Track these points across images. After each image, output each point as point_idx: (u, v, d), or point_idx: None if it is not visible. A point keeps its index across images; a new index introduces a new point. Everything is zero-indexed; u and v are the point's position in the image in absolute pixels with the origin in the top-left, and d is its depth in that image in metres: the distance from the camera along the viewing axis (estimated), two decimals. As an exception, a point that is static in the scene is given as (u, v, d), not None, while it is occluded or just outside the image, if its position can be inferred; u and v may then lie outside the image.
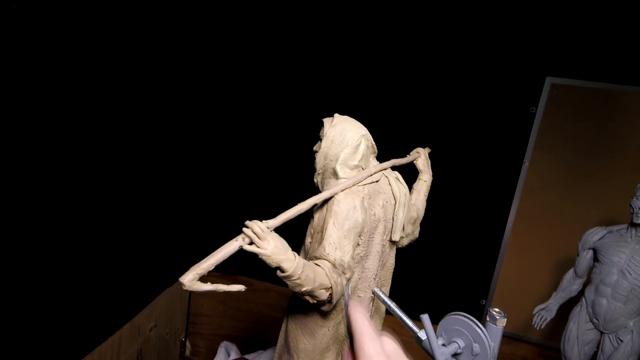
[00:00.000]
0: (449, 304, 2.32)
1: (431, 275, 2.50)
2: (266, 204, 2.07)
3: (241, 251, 1.11)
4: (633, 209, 1.82)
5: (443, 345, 1.09)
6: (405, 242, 1.65)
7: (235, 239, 1.11)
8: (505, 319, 1.09)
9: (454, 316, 1.09)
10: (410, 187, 1.65)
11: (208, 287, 1.02)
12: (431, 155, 1.83)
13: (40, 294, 1.59)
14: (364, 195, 1.36)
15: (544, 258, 2.34)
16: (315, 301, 1.24)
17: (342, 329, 1.45)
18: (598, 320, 1.91)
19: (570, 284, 2.04)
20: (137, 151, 1.97)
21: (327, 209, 1.32)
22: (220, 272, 2.57)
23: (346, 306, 0.50)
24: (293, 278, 1.14)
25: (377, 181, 1.44)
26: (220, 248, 1.07)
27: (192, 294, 2.78)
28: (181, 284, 1.00)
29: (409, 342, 1.01)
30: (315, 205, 1.30)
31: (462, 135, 2.32)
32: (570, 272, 2.05)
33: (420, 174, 1.77)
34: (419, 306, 1.42)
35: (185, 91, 2.25)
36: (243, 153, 2.65)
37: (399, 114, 2.37)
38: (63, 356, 1.74)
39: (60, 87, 1.50)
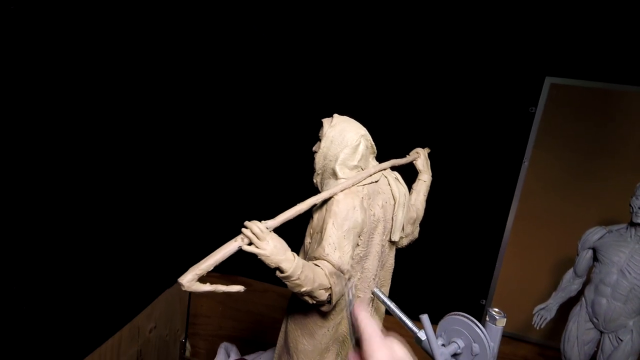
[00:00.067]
0: (448, 304, 2.31)
1: (431, 276, 2.49)
2: (265, 204, 2.06)
3: (241, 252, 1.10)
4: (632, 208, 1.82)
5: (443, 345, 1.09)
6: (404, 242, 1.65)
7: (234, 239, 1.10)
8: (505, 319, 1.09)
9: (453, 316, 1.09)
10: (409, 188, 1.65)
11: (207, 287, 1.02)
12: (431, 156, 1.83)
13: (40, 295, 1.59)
14: (363, 195, 1.36)
15: (544, 258, 2.34)
16: (314, 302, 1.24)
17: (342, 329, 1.45)
18: (598, 320, 1.91)
19: (569, 283, 2.04)
20: (136, 152, 1.97)
21: (326, 209, 1.32)
22: (219, 273, 2.57)
23: (350, 308, 0.49)
24: (292, 278, 1.14)
25: (376, 181, 1.44)
26: (219, 248, 1.07)
27: (191, 294, 2.78)
28: (180, 285, 1.00)
29: (409, 342, 1.01)
30: (315, 205, 1.30)
31: (461, 135, 2.32)
32: (570, 271, 2.05)
33: (419, 174, 1.77)
34: (418, 306, 1.42)
35: (184, 92, 2.25)
36: (242, 153, 2.64)
37: (399, 114, 2.37)
38: (63, 357, 1.74)
39: (60, 87, 1.50)
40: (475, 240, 2.40)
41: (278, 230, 1.18)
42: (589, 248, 1.98)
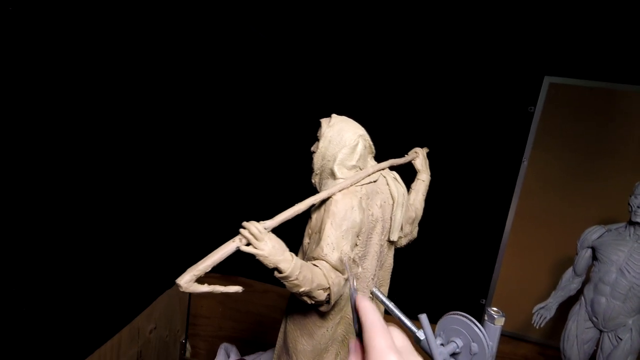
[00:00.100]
0: (448, 304, 2.31)
1: (430, 276, 2.49)
2: (264, 204, 2.06)
3: (241, 252, 1.10)
4: (631, 207, 1.82)
5: (441, 344, 1.09)
6: (403, 242, 1.65)
7: (232, 240, 1.11)
8: (504, 318, 1.09)
9: (452, 316, 1.09)
10: (408, 187, 1.65)
11: (205, 288, 1.02)
12: (429, 155, 1.82)
13: (40, 296, 1.59)
14: (361, 195, 1.36)
15: (543, 257, 2.34)
16: (313, 302, 1.24)
17: (341, 329, 1.45)
18: (597, 319, 1.91)
19: (569, 282, 2.04)
20: (135, 152, 1.97)
21: (324, 210, 1.32)
22: (219, 274, 2.57)
23: (353, 298, 0.49)
24: (291, 279, 1.14)
25: (375, 181, 1.44)
26: (218, 249, 1.07)
27: (191, 295, 2.78)
28: (178, 286, 1.00)
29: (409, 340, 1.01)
30: (313, 205, 1.30)
31: (460, 134, 2.32)
32: (569, 270, 2.05)
33: (418, 173, 1.77)
34: (418, 306, 1.42)
35: (182, 92, 2.25)
36: (240, 154, 2.65)
37: (397, 113, 2.37)
38: (63, 358, 1.74)
39: (59, 88, 1.50)
40: (475, 240, 2.41)
41: (276, 231, 1.18)
42: (588, 247, 1.98)
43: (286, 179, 2.41)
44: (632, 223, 1.84)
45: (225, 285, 1.07)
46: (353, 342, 0.47)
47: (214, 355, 2.71)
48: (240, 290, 1.09)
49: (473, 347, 1.05)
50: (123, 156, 1.90)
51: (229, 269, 2.62)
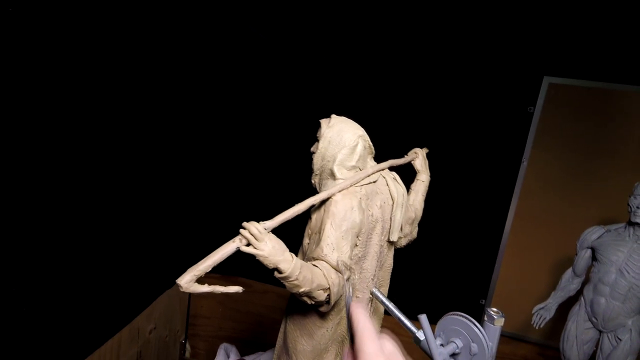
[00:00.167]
0: (448, 305, 2.31)
1: (430, 276, 2.50)
2: (263, 205, 2.07)
3: (241, 253, 1.11)
4: (631, 207, 1.83)
5: (441, 345, 1.09)
6: (403, 242, 1.65)
7: (232, 240, 1.11)
8: (503, 319, 1.09)
9: (452, 316, 1.10)
10: (408, 188, 1.65)
11: (205, 288, 1.02)
12: (429, 156, 1.83)
13: (40, 297, 1.59)
14: (361, 195, 1.36)
15: (543, 258, 2.34)
16: (313, 302, 1.24)
17: (341, 329, 1.45)
18: (597, 319, 1.91)
19: (568, 283, 2.05)
20: (135, 153, 1.97)
21: (324, 210, 1.32)
22: (219, 274, 2.57)
23: (348, 305, 0.50)
24: (291, 279, 1.14)
25: (374, 182, 1.44)
26: (218, 249, 1.07)
27: (191, 295, 2.78)
28: (178, 286, 1.00)
29: (408, 342, 1.01)
30: (313, 206, 1.30)
31: (460, 135, 2.33)
32: (569, 271, 2.05)
33: (418, 174, 1.77)
34: (418, 307, 1.42)
35: (183, 93, 2.25)
36: (240, 154, 2.65)
37: (397, 114, 2.37)
38: (63, 358, 1.74)
39: (59, 88, 1.50)
40: (475, 240, 2.41)
41: (276, 231, 1.18)
42: (588, 247, 1.98)
43: (286, 180, 2.41)
44: (631, 223, 1.84)
45: (225, 285, 1.07)
46: (347, 349, 0.48)
47: (214, 355, 2.71)
48: (241, 291, 1.09)
49: (473, 347, 1.05)
50: (123, 156, 1.90)
51: (229, 270, 2.62)
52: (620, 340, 1.86)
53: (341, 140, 1.40)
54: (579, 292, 2.03)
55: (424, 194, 1.74)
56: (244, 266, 2.08)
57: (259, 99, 2.56)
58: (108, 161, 1.81)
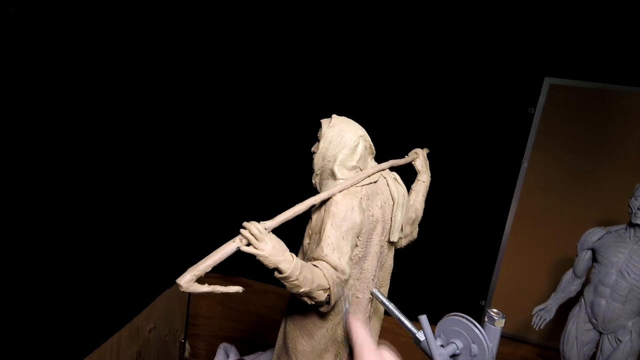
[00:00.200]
0: (448, 305, 2.31)
1: (430, 276, 2.49)
2: (264, 205, 2.07)
3: (241, 253, 1.10)
4: (631, 209, 1.82)
5: (441, 346, 1.09)
6: (403, 242, 1.65)
7: (232, 240, 1.10)
8: (504, 320, 1.09)
9: (452, 317, 1.10)
10: (408, 188, 1.65)
11: (205, 288, 1.02)
12: (430, 156, 1.83)
13: (39, 296, 1.59)
14: (362, 196, 1.36)
15: (543, 258, 2.34)
16: (313, 302, 1.24)
17: (341, 330, 1.45)
18: (597, 321, 1.91)
19: (569, 284, 2.04)
20: (135, 153, 1.97)
21: (325, 210, 1.32)
22: (219, 274, 2.57)
23: (346, 317, 0.50)
24: (291, 279, 1.14)
25: (375, 182, 1.44)
26: (218, 249, 1.07)
27: (191, 295, 2.78)
28: (178, 286, 1.00)
29: (408, 343, 1.01)
30: (313, 206, 1.30)
31: (460, 135, 2.32)
32: (569, 272, 2.05)
33: (418, 174, 1.77)
34: (418, 307, 1.42)
35: (183, 93, 2.25)
36: (241, 154, 2.65)
37: (397, 114, 2.37)
38: (62, 358, 1.74)
39: (59, 88, 1.50)
40: (475, 241, 2.41)
41: (277, 231, 1.18)
42: (588, 249, 1.98)
43: (286, 180, 2.41)
44: (632, 225, 1.84)
45: (225, 285, 1.07)
46: None
47: (213, 355, 2.71)
48: (241, 291, 1.09)
49: (473, 348, 1.05)
50: (123, 157, 1.90)
51: (229, 269, 2.62)
52: (621, 341, 1.86)
53: (342, 140, 1.40)
54: (579, 294, 2.02)
55: (425, 195, 1.74)
56: (244, 266, 2.08)
57: (260, 99, 2.56)
58: (108, 161, 1.81)
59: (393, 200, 1.49)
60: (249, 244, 1.11)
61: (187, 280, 1.00)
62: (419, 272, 2.46)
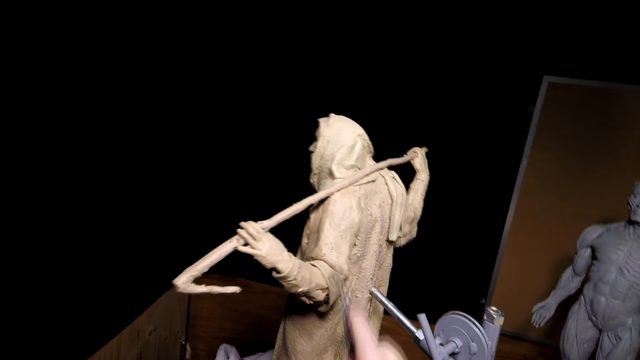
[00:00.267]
0: (448, 304, 2.30)
1: (430, 275, 2.49)
2: (262, 204, 2.06)
3: (240, 253, 1.10)
4: (631, 206, 1.82)
5: (441, 344, 1.09)
6: (402, 241, 1.65)
7: (229, 240, 1.10)
8: (503, 318, 1.09)
9: (451, 315, 1.09)
10: (407, 187, 1.65)
11: (202, 289, 1.02)
12: (428, 155, 1.82)
13: (40, 298, 1.59)
14: (360, 195, 1.36)
15: (543, 257, 2.34)
16: (312, 302, 1.24)
17: (340, 329, 1.45)
18: (597, 318, 1.90)
19: (568, 282, 2.04)
20: (134, 154, 1.97)
21: (323, 209, 1.31)
22: (219, 274, 2.55)
23: (346, 314, 0.49)
24: (289, 279, 1.14)
25: (373, 181, 1.44)
26: (215, 250, 1.07)
27: (191, 296, 2.78)
28: (175, 287, 1.00)
29: (408, 342, 1.01)
30: (311, 205, 1.30)
31: (459, 134, 2.32)
32: (569, 270, 2.05)
33: (417, 173, 1.77)
34: (417, 306, 1.42)
35: (180, 93, 2.25)
36: (238, 154, 2.64)
37: (396, 113, 2.37)
38: (62, 360, 1.74)
39: (58, 89, 1.50)
40: (474, 239, 2.40)
41: (275, 231, 1.17)
42: (588, 246, 1.97)
43: (284, 179, 2.41)
44: (631, 222, 1.84)
45: (224, 286, 1.06)
46: (346, 358, 0.47)
47: (214, 356, 2.71)
48: (238, 291, 1.08)
49: (472, 346, 1.05)
50: (122, 158, 1.89)
51: (229, 270, 2.62)
52: (620, 339, 1.85)
53: (340, 139, 1.39)
54: (579, 291, 2.02)
55: (423, 193, 1.74)
56: (243, 266, 2.07)
57: (258, 98, 2.55)
58: (107, 163, 1.81)
59: (392, 199, 1.48)
60: (246, 244, 1.10)
61: (184, 281, 1.00)
62: (418, 271, 2.45)
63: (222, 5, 2.38)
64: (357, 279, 1.43)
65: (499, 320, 1.09)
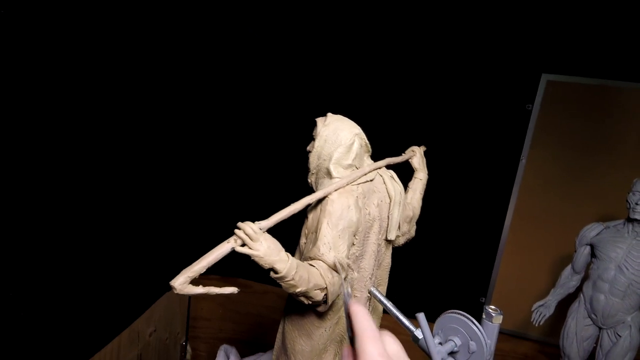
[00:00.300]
0: (447, 303, 2.30)
1: (429, 275, 2.49)
2: (259, 204, 2.06)
3: (239, 253, 1.10)
4: (629, 204, 1.82)
5: (440, 343, 1.09)
6: (401, 241, 1.64)
7: (227, 240, 1.10)
8: (501, 316, 1.09)
9: (450, 314, 1.09)
10: (405, 186, 1.65)
11: (200, 290, 1.02)
12: (427, 154, 1.82)
13: (39, 300, 1.59)
14: (358, 194, 1.35)
15: (542, 255, 2.34)
16: (310, 302, 1.24)
17: (339, 329, 1.45)
18: (596, 316, 1.90)
19: (568, 280, 2.04)
20: (133, 155, 1.97)
21: (321, 209, 1.31)
22: (218, 275, 2.56)
23: (346, 304, 0.49)
24: (287, 279, 1.14)
25: (371, 180, 1.44)
26: (212, 250, 1.07)
27: (191, 297, 2.78)
28: (172, 288, 0.99)
29: (407, 341, 1.01)
30: (309, 205, 1.30)
31: (458, 133, 2.32)
32: (568, 268, 2.05)
33: (415, 172, 1.77)
34: (417, 306, 1.42)
35: (179, 93, 2.24)
36: (236, 154, 2.64)
37: (394, 112, 2.37)
38: (61, 362, 1.73)
39: (57, 89, 1.50)
40: (474, 238, 2.40)
41: (272, 231, 1.17)
42: (587, 244, 1.97)
43: (282, 179, 2.41)
44: (630, 220, 1.84)
45: (222, 286, 1.06)
46: (346, 349, 0.46)
47: (214, 357, 2.71)
48: (236, 292, 1.08)
49: (471, 345, 1.05)
50: (121, 159, 1.89)
51: (228, 270, 2.62)
52: (620, 336, 1.85)
53: (337, 138, 1.39)
54: (579, 289, 2.02)
55: (422, 192, 1.74)
56: (243, 267, 2.07)
57: (255, 98, 2.55)
58: (106, 164, 1.81)
59: (390, 198, 1.48)
60: (243, 244, 1.10)
61: (181, 282, 1.00)
62: (417, 271, 2.45)
63: (221, 5, 2.37)
64: (356, 278, 1.43)
65: (498, 319, 1.09)
